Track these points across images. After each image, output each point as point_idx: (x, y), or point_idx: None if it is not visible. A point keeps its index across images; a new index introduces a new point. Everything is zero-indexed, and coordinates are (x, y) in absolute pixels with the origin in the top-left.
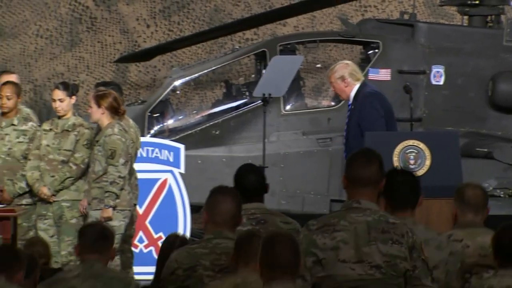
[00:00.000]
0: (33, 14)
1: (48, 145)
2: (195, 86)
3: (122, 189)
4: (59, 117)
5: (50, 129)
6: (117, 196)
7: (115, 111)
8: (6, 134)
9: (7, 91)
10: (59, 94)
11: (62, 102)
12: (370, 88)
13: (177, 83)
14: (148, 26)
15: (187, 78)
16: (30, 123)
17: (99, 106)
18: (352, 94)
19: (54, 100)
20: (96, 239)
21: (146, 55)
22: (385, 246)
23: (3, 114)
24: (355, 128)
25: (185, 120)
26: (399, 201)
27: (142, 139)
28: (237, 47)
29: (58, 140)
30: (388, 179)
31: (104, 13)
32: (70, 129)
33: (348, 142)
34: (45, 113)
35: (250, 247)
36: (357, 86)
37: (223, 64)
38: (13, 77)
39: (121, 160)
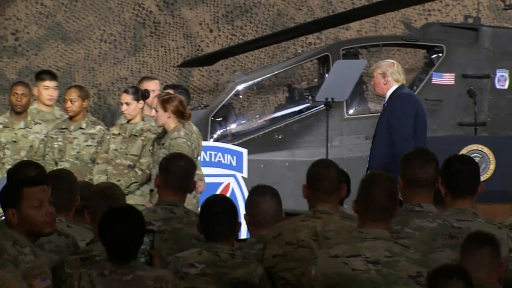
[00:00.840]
0: (97, 19)
1: (115, 150)
2: (258, 90)
3: None
4: (128, 121)
5: (119, 134)
6: None
7: (181, 115)
8: (75, 138)
9: (72, 94)
10: (126, 98)
11: (129, 106)
12: (406, 90)
13: (240, 87)
14: (211, 31)
15: (249, 83)
16: (98, 127)
17: (165, 110)
18: (388, 93)
19: (122, 104)
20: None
21: (209, 59)
22: (454, 252)
23: (71, 118)
24: (384, 126)
25: (248, 124)
26: (460, 188)
27: (205, 143)
28: (300, 51)
29: (125, 144)
30: (448, 166)
31: (167, 18)
32: (137, 134)
33: (375, 139)
34: (109, 117)
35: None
36: (394, 86)
37: (286, 69)
38: (155, 83)
39: None
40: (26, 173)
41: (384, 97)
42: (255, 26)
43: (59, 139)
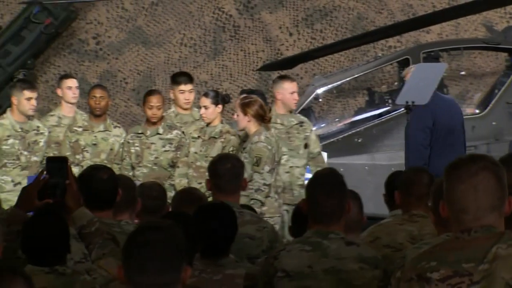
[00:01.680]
0: (177, 23)
1: (195, 152)
2: (338, 94)
3: (267, 196)
4: (207, 124)
5: (198, 137)
6: (262, 204)
7: (261, 119)
8: (152, 143)
9: (156, 101)
10: (205, 101)
11: (207, 109)
12: (438, 97)
13: (320, 91)
14: (291, 34)
15: (329, 86)
16: (175, 131)
17: (245, 113)
18: None
19: (201, 107)
20: None
21: (288, 63)
22: None
23: (149, 122)
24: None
25: (328, 128)
26: None
27: None
28: (380, 54)
29: (205, 147)
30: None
31: (247, 22)
32: (216, 136)
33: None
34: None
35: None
36: None
37: (365, 72)
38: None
39: (266, 168)
40: (98, 176)
41: None
42: (335, 30)
43: (136, 144)
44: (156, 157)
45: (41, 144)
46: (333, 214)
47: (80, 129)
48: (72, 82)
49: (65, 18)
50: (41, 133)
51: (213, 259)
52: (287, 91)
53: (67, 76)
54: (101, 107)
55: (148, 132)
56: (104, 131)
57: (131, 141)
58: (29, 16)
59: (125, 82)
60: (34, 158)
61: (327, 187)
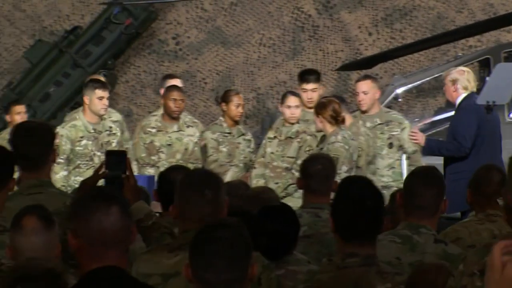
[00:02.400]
0: (256, 23)
1: (272, 153)
2: (417, 93)
3: None
4: (283, 124)
5: (274, 137)
6: None
7: (335, 120)
8: (239, 143)
9: (240, 100)
10: (295, 101)
11: (298, 108)
12: (472, 101)
13: (399, 90)
14: (370, 34)
15: (409, 86)
16: (249, 132)
17: (317, 115)
18: (458, 101)
19: (290, 107)
20: None
21: (367, 63)
22: None
23: (230, 121)
24: (450, 133)
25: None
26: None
27: None
28: (460, 54)
29: (281, 147)
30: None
31: (326, 21)
32: (293, 136)
33: None
34: (268, 121)
35: None
36: (463, 94)
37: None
38: (177, 81)
39: (344, 168)
40: (177, 176)
41: (455, 104)
42: (415, 29)
43: (226, 143)
44: (244, 157)
45: (114, 144)
46: (427, 207)
47: (154, 130)
48: (176, 82)
49: (145, 18)
50: (114, 134)
51: (276, 259)
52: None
53: (171, 76)
54: (180, 110)
55: (234, 132)
56: (178, 131)
57: (220, 140)
58: (110, 17)
59: (204, 82)
60: None
61: (427, 179)
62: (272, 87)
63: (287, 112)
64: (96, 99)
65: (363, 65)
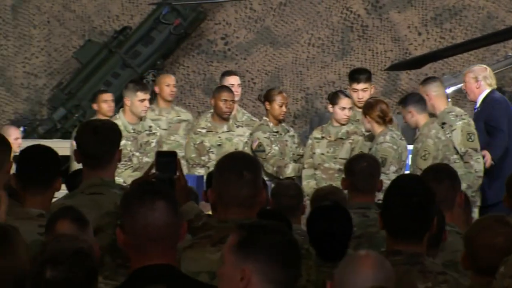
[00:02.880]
0: (305, 23)
1: (322, 154)
2: (467, 93)
3: None
4: (330, 124)
5: (322, 137)
6: None
7: (383, 120)
8: (286, 141)
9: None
10: (348, 102)
11: (350, 110)
12: (498, 95)
13: (449, 90)
14: (419, 34)
15: (458, 86)
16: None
17: (365, 115)
18: (480, 97)
19: (344, 108)
20: None
21: (417, 62)
22: None
23: (275, 120)
24: (480, 130)
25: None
26: None
27: (410, 147)
28: (510, 54)
29: (332, 148)
30: None
31: (375, 21)
32: (344, 137)
33: None
34: (317, 121)
35: None
36: (486, 91)
37: (496, 72)
38: (235, 78)
39: (392, 168)
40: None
41: (476, 102)
42: (464, 29)
43: (276, 142)
44: (293, 153)
45: (153, 144)
46: (442, 202)
47: (203, 131)
48: (234, 79)
49: (194, 19)
50: (153, 133)
51: (330, 260)
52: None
53: (229, 72)
54: (231, 110)
55: (280, 130)
56: (228, 131)
57: (272, 138)
58: (159, 17)
59: (253, 82)
60: (146, 159)
61: (437, 174)
62: (321, 87)
63: (341, 113)
64: (138, 101)
65: (413, 65)
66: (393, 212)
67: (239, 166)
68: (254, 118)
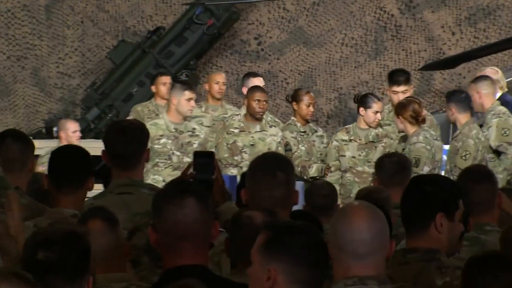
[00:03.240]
0: (338, 23)
1: (353, 157)
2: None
3: None
4: (357, 126)
5: (350, 140)
6: None
7: (415, 120)
8: (314, 141)
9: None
10: (380, 106)
11: (381, 113)
12: (510, 98)
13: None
14: (453, 34)
15: None
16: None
17: (397, 116)
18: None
19: (376, 112)
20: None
21: (450, 62)
22: None
23: (303, 120)
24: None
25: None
26: None
27: (447, 147)
28: None
29: (364, 151)
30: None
31: (409, 21)
32: (375, 140)
33: None
34: (350, 121)
35: None
36: (498, 94)
37: None
38: (259, 80)
39: (426, 168)
40: None
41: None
42: (498, 29)
43: (303, 142)
44: (320, 154)
45: (195, 145)
46: (480, 203)
47: (236, 131)
48: (258, 81)
49: (227, 19)
50: (197, 135)
51: None
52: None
53: (253, 74)
54: (264, 110)
55: (308, 130)
56: (261, 131)
57: (299, 138)
58: (192, 17)
59: (286, 83)
60: (186, 159)
61: (476, 175)
62: (354, 87)
63: (373, 117)
64: (185, 100)
65: (446, 65)
66: (410, 208)
67: (272, 167)
68: (277, 120)
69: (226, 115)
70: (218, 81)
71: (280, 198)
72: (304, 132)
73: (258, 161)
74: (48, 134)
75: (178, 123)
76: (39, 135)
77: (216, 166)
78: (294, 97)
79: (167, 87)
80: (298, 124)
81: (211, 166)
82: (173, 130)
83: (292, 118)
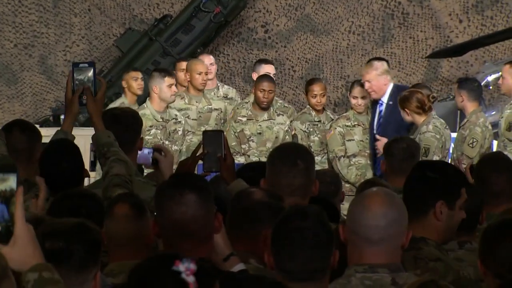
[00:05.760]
0: (345, 10)
1: (361, 140)
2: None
3: None
4: (359, 113)
5: (354, 125)
6: None
7: (422, 109)
8: (327, 129)
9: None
10: (359, 91)
11: (364, 99)
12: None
13: (490, 78)
14: (460, 21)
15: (499, 74)
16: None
17: (402, 109)
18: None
19: (355, 98)
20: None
21: (458, 50)
22: None
23: (315, 110)
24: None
25: (497, 116)
26: None
27: (454, 135)
28: None
29: (368, 135)
30: None
31: (416, 9)
32: None
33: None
34: None
35: None
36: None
37: None
38: (271, 67)
39: (435, 158)
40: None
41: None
42: (506, 16)
43: (316, 132)
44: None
45: (180, 133)
46: (501, 193)
47: (244, 119)
48: (269, 68)
49: (234, 6)
50: (179, 122)
51: None
52: None
53: (265, 61)
54: (269, 100)
55: (321, 119)
56: (268, 119)
57: (311, 129)
58: (199, 5)
59: (293, 70)
60: (174, 147)
61: (497, 165)
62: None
63: (353, 101)
64: (166, 87)
65: (454, 52)
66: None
67: (292, 156)
68: (287, 105)
69: (210, 106)
70: (200, 71)
71: (299, 187)
72: (319, 121)
73: (278, 150)
74: (55, 122)
75: (162, 112)
76: (46, 123)
77: (226, 144)
78: (306, 87)
79: (184, 73)
80: (313, 113)
81: (220, 142)
82: (160, 120)
83: (307, 106)
